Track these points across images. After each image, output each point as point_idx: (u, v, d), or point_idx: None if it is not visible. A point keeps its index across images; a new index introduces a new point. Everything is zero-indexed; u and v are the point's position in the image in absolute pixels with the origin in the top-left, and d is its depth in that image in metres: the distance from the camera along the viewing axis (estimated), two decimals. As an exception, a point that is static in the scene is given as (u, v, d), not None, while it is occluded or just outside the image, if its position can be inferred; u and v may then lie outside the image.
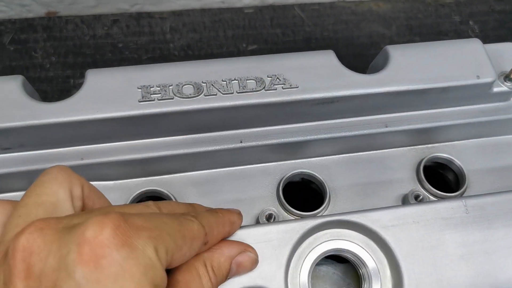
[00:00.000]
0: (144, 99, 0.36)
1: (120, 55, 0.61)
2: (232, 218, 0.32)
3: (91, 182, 0.39)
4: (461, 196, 0.41)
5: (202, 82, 0.37)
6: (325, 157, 0.42)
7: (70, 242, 0.22)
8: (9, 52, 0.59)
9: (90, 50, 0.60)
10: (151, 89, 0.37)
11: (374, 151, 0.43)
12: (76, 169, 0.37)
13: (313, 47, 0.63)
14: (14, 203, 0.28)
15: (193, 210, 0.31)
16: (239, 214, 0.33)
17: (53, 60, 0.59)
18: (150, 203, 0.29)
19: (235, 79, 0.38)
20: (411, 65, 0.40)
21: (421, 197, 0.40)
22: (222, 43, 0.63)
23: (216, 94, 0.37)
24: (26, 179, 0.38)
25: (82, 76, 0.59)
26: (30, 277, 0.22)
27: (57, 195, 0.27)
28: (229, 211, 0.33)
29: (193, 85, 0.37)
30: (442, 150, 0.44)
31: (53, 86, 0.58)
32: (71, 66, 0.59)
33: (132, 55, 0.61)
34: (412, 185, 0.42)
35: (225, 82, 0.38)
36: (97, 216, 0.23)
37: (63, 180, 0.28)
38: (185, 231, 0.27)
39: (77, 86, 0.58)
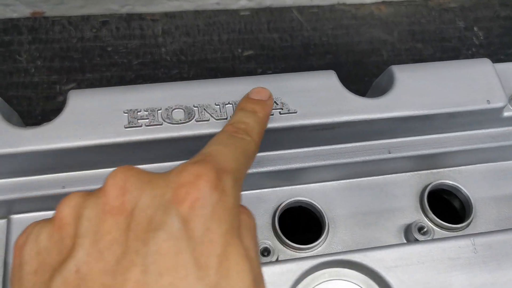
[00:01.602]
0: (131, 124, 0.34)
1: (109, 60, 0.58)
2: (268, 111, 0.34)
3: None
4: (467, 226, 0.39)
5: (194, 106, 0.35)
6: (324, 183, 0.40)
7: (164, 185, 0.23)
8: (-9, 55, 0.56)
9: (78, 54, 0.57)
10: (138, 113, 0.34)
11: (376, 177, 0.41)
12: (57, 197, 0.35)
13: (311, 53, 0.61)
14: None
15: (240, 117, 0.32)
16: (269, 97, 0.35)
17: (38, 64, 0.56)
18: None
19: (229, 103, 0.35)
20: (417, 89, 0.37)
21: (425, 229, 0.38)
22: (217, 47, 0.60)
23: (208, 120, 0.34)
24: (4, 208, 0.35)
25: (69, 81, 0.56)
26: (122, 214, 0.23)
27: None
28: (259, 103, 0.34)
29: (183, 109, 0.35)
30: (448, 176, 0.41)
31: (38, 92, 0.55)
32: (58, 71, 0.56)
33: (122, 60, 0.58)
34: (415, 215, 0.40)
35: (218, 106, 0.35)
36: (192, 165, 0.24)
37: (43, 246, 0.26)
38: (249, 159, 0.29)
39: (63, 93, 0.55)
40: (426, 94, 0.37)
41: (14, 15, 0.59)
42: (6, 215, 0.36)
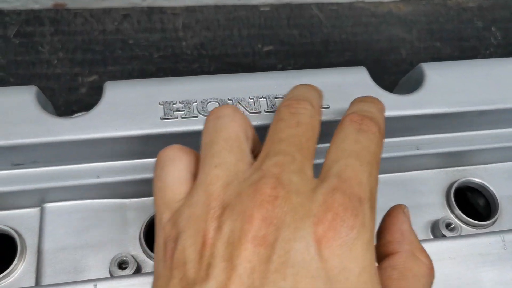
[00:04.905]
0: (167, 116, 0.34)
1: (131, 53, 0.58)
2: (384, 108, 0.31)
3: (107, 200, 0.37)
4: (493, 224, 0.40)
5: (228, 99, 0.35)
6: (351, 178, 0.40)
7: (305, 217, 0.23)
8: (14, 46, 0.57)
9: (100, 46, 0.58)
10: (174, 105, 0.34)
11: (403, 173, 0.41)
12: (91, 187, 0.35)
13: (331, 50, 0.61)
14: (197, 154, 0.28)
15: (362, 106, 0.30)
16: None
17: (60, 56, 0.57)
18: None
19: (263, 97, 0.36)
20: (447, 86, 0.38)
21: (452, 225, 0.38)
22: (237, 43, 0.60)
23: (243, 113, 0.35)
24: (38, 196, 0.36)
25: (91, 73, 0.56)
26: (264, 245, 0.22)
27: (239, 137, 0.27)
28: (375, 99, 0.32)
29: (218, 102, 0.35)
30: (474, 173, 0.42)
31: (60, 84, 0.55)
32: (80, 63, 0.57)
33: (143, 53, 0.58)
34: (442, 211, 0.40)
35: (252, 100, 0.35)
36: (329, 196, 0.23)
37: (241, 122, 0.28)
38: (379, 163, 0.27)
39: (85, 85, 0.55)
40: (456, 92, 0.38)
41: (36, 7, 0.59)
42: (40, 204, 0.37)
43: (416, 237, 0.28)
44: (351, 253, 0.22)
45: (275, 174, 0.24)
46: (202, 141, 0.28)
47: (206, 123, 0.28)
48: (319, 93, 0.32)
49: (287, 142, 0.26)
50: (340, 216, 0.23)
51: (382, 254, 0.28)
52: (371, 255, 0.23)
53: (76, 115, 0.35)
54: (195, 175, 0.27)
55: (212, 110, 0.29)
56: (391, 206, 0.39)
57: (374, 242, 0.25)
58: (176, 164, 0.27)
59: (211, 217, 0.24)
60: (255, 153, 0.28)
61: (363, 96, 0.33)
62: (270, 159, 0.25)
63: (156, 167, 0.28)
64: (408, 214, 0.29)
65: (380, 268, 0.27)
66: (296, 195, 0.24)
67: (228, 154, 0.26)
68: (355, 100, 0.32)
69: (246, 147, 0.27)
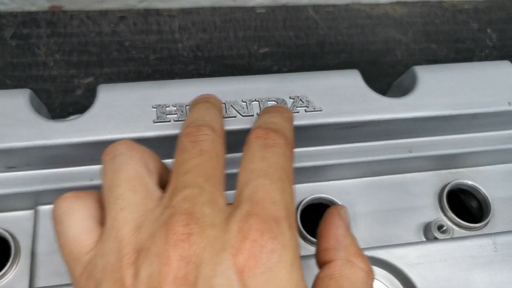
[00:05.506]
0: (159, 119, 0.34)
1: (127, 55, 0.58)
2: (292, 115, 0.33)
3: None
4: (485, 226, 0.40)
5: (221, 103, 0.35)
6: (345, 181, 0.41)
7: (222, 249, 0.22)
8: (10, 48, 0.57)
9: (96, 48, 0.58)
10: (167, 108, 0.35)
11: (396, 175, 0.41)
12: (84, 189, 0.35)
13: (326, 51, 0.61)
14: (96, 195, 0.27)
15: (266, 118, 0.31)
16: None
17: (57, 57, 0.57)
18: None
19: (255, 100, 0.36)
20: (439, 89, 0.38)
21: (444, 227, 0.38)
22: (233, 44, 0.61)
23: (235, 116, 0.35)
24: (32, 199, 0.36)
25: (87, 75, 0.57)
26: (185, 285, 0.21)
27: (141, 175, 0.26)
28: (282, 107, 0.34)
29: (211, 105, 0.35)
30: (466, 176, 0.42)
31: (56, 85, 0.55)
32: (76, 65, 0.57)
33: (139, 55, 0.58)
34: (434, 213, 0.40)
35: (245, 103, 0.36)
36: (244, 223, 0.23)
37: (139, 157, 0.27)
38: (292, 174, 0.27)
39: (81, 87, 0.55)
40: (448, 94, 0.38)
41: (33, 9, 0.59)
42: (33, 206, 0.37)
43: (353, 240, 0.28)
44: (276, 278, 0.22)
45: (186, 210, 0.23)
46: (103, 184, 0.26)
47: (103, 165, 0.27)
48: (218, 110, 0.31)
49: (193, 174, 0.25)
50: (258, 242, 0.22)
51: (320, 262, 0.27)
52: (297, 275, 0.23)
53: (69, 118, 0.35)
54: (99, 220, 0.26)
55: (106, 149, 0.27)
56: (385, 208, 0.40)
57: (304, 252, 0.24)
58: (75, 215, 0.26)
59: (126, 263, 0.23)
60: (163, 182, 0.27)
61: (269, 106, 0.33)
62: (178, 194, 0.24)
63: (54, 223, 0.27)
64: (344, 215, 0.29)
65: (318, 279, 0.27)
66: (211, 228, 0.23)
67: (132, 194, 0.25)
68: (261, 111, 0.32)
69: (151, 182, 0.26)
